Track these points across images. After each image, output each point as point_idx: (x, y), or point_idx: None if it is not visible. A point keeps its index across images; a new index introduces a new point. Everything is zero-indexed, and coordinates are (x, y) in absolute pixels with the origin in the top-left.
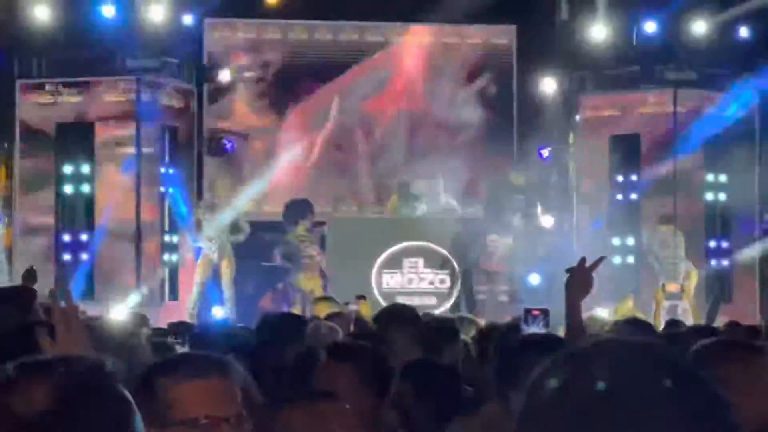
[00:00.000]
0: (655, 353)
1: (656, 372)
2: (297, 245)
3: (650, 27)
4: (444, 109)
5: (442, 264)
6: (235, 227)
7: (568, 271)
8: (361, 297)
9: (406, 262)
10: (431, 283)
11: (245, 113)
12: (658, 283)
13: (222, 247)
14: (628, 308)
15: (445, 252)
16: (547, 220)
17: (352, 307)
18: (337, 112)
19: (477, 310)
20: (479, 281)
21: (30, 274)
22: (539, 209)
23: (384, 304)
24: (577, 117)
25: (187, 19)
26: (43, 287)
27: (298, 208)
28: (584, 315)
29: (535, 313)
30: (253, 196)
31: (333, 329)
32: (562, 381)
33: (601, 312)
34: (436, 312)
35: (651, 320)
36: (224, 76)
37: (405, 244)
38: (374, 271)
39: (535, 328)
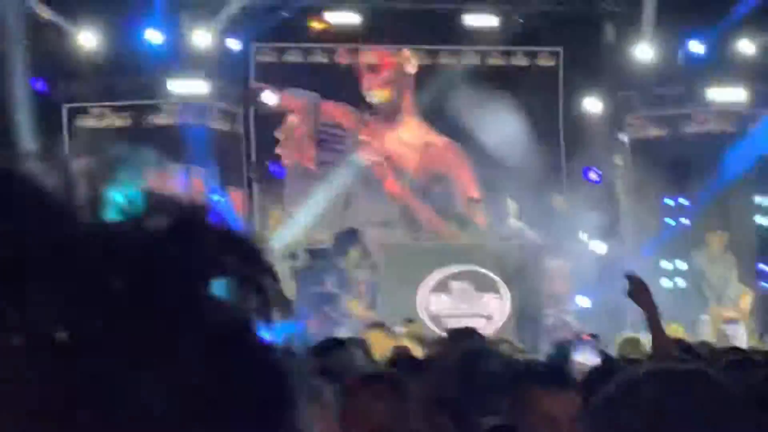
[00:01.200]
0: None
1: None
2: (348, 272)
3: (696, 46)
4: (490, 132)
5: (491, 287)
6: (292, 254)
7: (628, 277)
8: (409, 320)
9: (455, 285)
10: (479, 306)
11: (293, 138)
12: (709, 307)
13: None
14: (674, 332)
15: (493, 275)
16: (598, 246)
17: (400, 329)
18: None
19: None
20: (547, 305)
21: None
22: (584, 234)
23: (432, 327)
24: (624, 138)
25: (233, 43)
26: None
27: (349, 236)
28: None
29: (586, 338)
30: (305, 222)
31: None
32: (653, 401)
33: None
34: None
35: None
36: (271, 100)
37: (454, 268)
38: (421, 294)
39: (585, 353)
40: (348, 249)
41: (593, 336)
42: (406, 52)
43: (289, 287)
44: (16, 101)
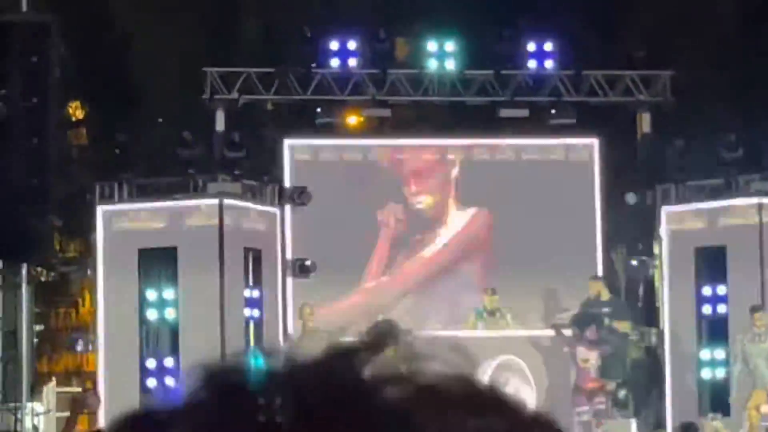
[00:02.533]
0: None
1: None
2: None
3: (733, 138)
4: (527, 225)
5: (525, 378)
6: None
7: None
8: None
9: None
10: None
11: (330, 234)
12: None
13: None
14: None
15: (524, 367)
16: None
17: None
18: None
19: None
20: (579, 402)
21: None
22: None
23: None
24: (662, 229)
25: (269, 141)
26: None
27: (385, 329)
28: None
29: None
30: (342, 316)
31: None
32: None
33: None
34: None
35: None
36: (307, 199)
37: (489, 363)
38: None
39: None
40: (383, 344)
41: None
42: (451, 156)
43: None
44: (45, 203)
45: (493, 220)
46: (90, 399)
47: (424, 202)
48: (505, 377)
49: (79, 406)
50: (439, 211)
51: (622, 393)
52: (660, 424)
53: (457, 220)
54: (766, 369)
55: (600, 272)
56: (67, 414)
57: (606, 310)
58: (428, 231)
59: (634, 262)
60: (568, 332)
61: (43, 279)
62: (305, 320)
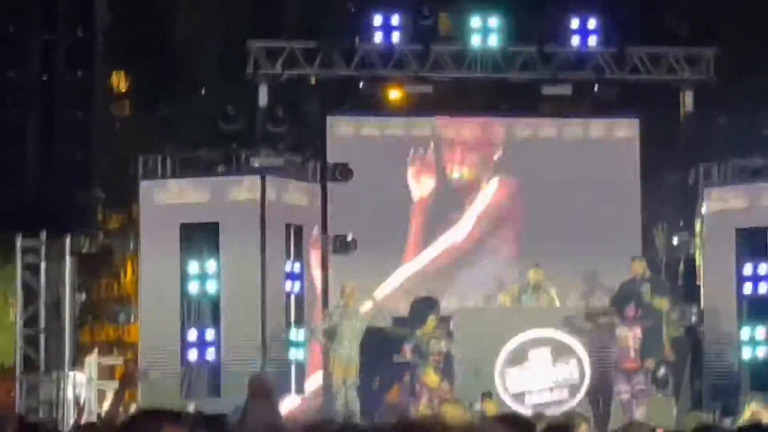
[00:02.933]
0: None
1: None
2: (426, 341)
3: None
4: (568, 203)
5: (570, 355)
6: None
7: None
8: (487, 395)
9: (533, 354)
10: (558, 375)
11: (371, 210)
12: None
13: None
14: (752, 411)
15: (570, 341)
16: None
17: (478, 406)
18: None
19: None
20: (619, 380)
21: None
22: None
23: (509, 403)
24: (703, 208)
25: (311, 116)
26: (172, 386)
27: (427, 304)
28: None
29: None
30: (383, 292)
31: None
32: None
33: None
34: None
35: None
36: (348, 174)
37: (530, 335)
38: (499, 366)
39: None
40: (425, 317)
41: None
42: (494, 134)
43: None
44: (90, 174)
45: (536, 198)
46: (138, 375)
47: (460, 173)
48: (539, 350)
49: (127, 382)
50: (474, 186)
51: (661, 371)
52: (699, 403)
53: (489, 193)
54: None
55: (641, 250)
56: (107, 383)
57: (645, 287)
58: (461, 204)
59: (675, 241)
60: (604, 319)
61: (85, 250)
62: (347, 300)
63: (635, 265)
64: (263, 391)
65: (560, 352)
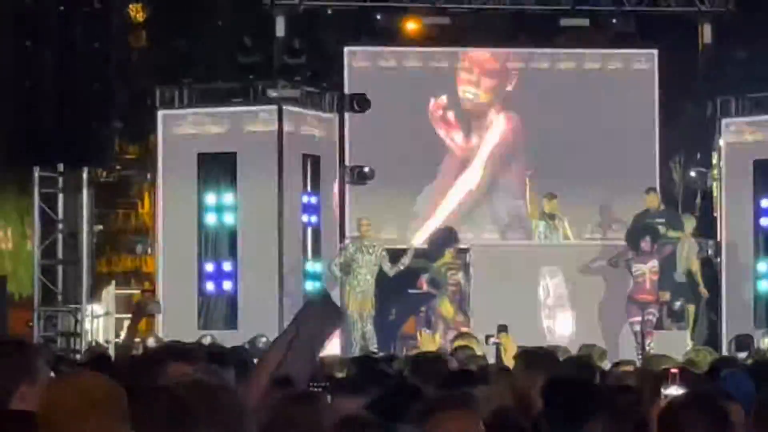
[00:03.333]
0: None
1: None
2: (444, 272)
3: None
4: (585, 135)
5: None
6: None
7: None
8: (503, 328)
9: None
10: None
11: (388, 142)
12: None
13: (367, 282)
14: None
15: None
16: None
17: (494, 340)
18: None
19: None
20: (632, 313)
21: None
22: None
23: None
24: (720, 141)
25: (329, 48)
26: (189, 318)
27: (445, 236)
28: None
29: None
30: (400, 225)
31: None
32: None
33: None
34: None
35: None
36: (366, 105)
37: (545, 269)
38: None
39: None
40: (444, 249)
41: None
42: (512, 66)
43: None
44: (107, 106)
45: (551, 131)
46: (151, 305)
47: (473, 95)
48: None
49: (141, 312)
50: (483, 112)
51: (677, 304)
52: (715, 336)
53: (500, 126)
54: None
55: (657, 183)
56: (125, 316)
57: (660, 220)
58: (470, 129)
59: (693, 173)
60: (621, 262)
61: (102, 180)
62: (362, 234)
63: (649, 197)
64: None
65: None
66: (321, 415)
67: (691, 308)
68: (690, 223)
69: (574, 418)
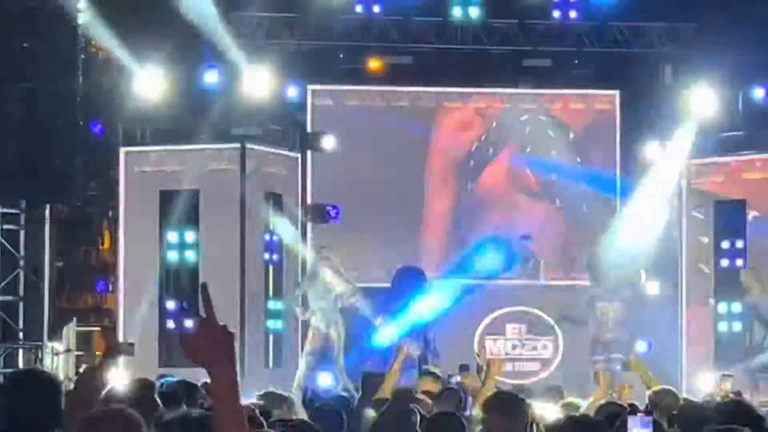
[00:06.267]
0: None
1: None
2: None
3: (758, 93)
4: (545, 176)
5: (546, 330)
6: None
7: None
8: (465, 367)
9: (509, 328)
10: (534, 348)
11: (349, 181)
12: None
13: (328, 317)
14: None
15: (547, 317)
16: (652, 286)
17: (456, 379)
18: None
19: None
20: (596, 352)
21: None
22: (643, 274)
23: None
24: (682, 182)
25: (291, 90)
26: (150, 355)
27: (411, 277)
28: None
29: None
30: (361, 263)
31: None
32: None
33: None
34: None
35: None
36: (328, 143)
37: (508, 309)
38: (477, 337)
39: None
40: (409, 290)
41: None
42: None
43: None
44: (72, 143)
45: (514, 170)
46: (125, 347)
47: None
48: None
49: (114, 352)
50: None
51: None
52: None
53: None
54: None
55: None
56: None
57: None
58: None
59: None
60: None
61: (63, 217)
62: (321, 266)
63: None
64: None
65: (536, 327)
66: None
67: None
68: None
69: None
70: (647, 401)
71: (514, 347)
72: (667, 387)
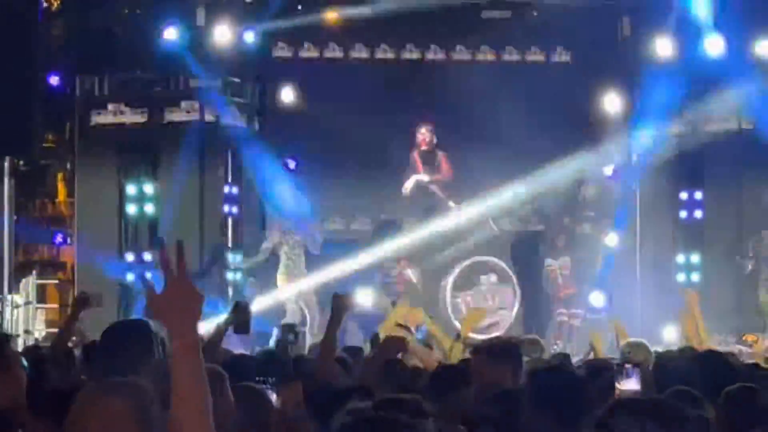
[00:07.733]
0: None
1: None
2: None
3: (715, 43)
4: (505, 129)
5: (509, 280)
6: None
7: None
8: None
9: (483, 279)
10: (503, 300)
11: (308, 131)
12: None
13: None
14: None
15: (509, 269)
16: (611, 239)
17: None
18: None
19: (557, 334)
20: (558, 307)
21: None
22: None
23: (456, 323)
24: (641, 134)
25: (250, 39)
26: (109, 308)
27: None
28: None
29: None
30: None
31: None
32: None
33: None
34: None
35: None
36: (287, 95)
37: (475, 259)
38: (449, 291)
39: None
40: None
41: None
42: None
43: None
44: (31, 96)
45: (474, 127)
46: (96, 298)
47: None
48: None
49: (84, 304)
50: None
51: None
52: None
53: None
54: None
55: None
56: (45, 306)
57: (591, 213)
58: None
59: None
60: None
61: (20, 169)
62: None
63: (585, 189)
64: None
65: (503, 278)
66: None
67: None
68: None
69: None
70: (620, 354)
71: (485, 299)
72: (638, 340)
